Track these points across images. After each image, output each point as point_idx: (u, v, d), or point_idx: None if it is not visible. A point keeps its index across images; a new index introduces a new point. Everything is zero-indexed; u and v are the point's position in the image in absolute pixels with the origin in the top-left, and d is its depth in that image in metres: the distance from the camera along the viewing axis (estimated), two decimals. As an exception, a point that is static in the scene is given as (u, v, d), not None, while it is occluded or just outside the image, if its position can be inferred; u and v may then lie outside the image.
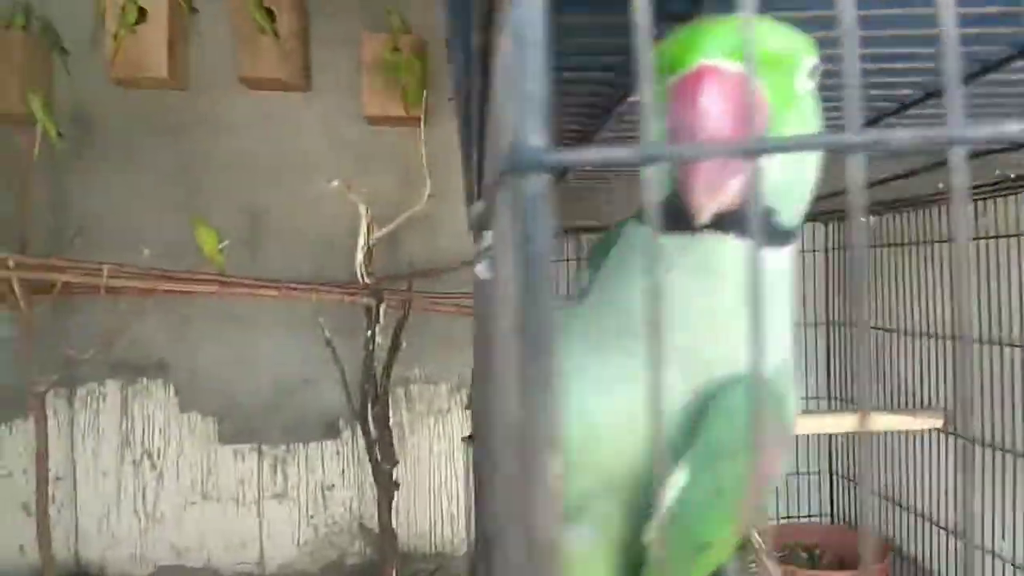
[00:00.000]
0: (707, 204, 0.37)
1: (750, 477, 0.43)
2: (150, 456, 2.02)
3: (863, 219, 0.26)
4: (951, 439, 1.56)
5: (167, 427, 2.00)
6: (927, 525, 1.69)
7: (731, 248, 0.41)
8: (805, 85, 0.41)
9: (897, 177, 0.97)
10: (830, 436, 2.00)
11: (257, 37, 1.79)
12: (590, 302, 0.49)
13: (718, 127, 0.36)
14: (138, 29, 1.73)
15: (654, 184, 0.38)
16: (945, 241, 1.56)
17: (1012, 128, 0.24)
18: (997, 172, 0.98)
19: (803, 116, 0.41)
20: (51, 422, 1.81)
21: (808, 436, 2.00)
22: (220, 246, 1.75)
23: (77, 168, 1.94)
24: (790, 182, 0.42)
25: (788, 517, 1.98)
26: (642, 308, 0.43)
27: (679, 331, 0.43)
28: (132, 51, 1.74)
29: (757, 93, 0.38)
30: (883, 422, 1.46)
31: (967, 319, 0.27)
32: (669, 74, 0.38)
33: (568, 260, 1.88)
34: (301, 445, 2.01)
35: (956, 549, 1.58)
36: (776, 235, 0.43)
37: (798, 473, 2.00)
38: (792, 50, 0.40)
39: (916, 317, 1.68)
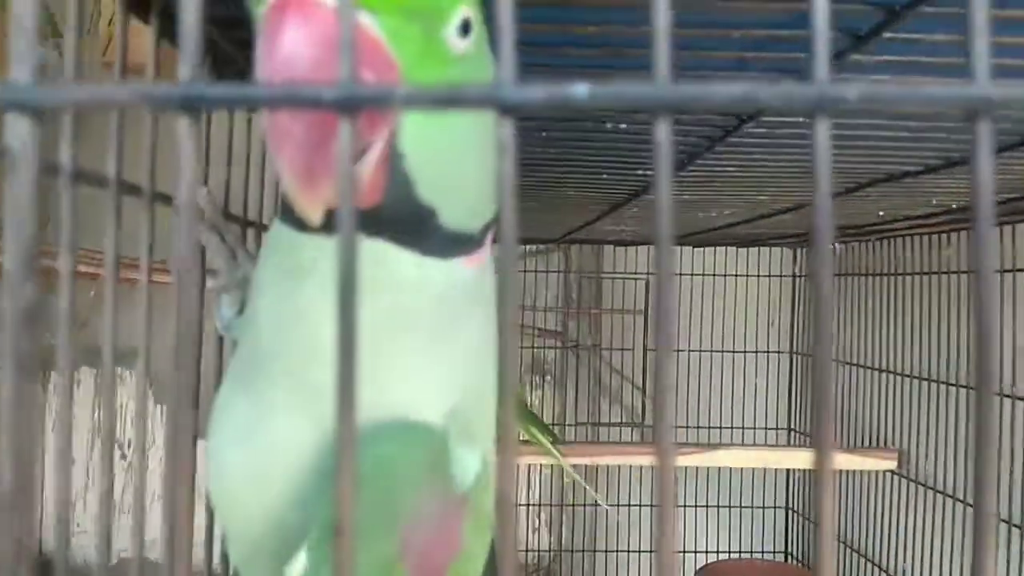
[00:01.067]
0: (306, 201, 0.28)
1: (407, 562, 0.34)
2: (121, 446, 1.97)
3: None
4: (904, 481, 1.49)
5: (139, 417, 1.94)
6: (874, 569, 1.61)
7: (376, 255, 0.33)
8: (458, 44, 0.31)
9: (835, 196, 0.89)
10: (787, 471, 1.92)
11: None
12: (243, 320, 0.40)
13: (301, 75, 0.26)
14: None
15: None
16: (908, 274, 1.48)
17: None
18: (935, 202, 0.91)
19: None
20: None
21: (765, 470, 1.93)
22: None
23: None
24: (451, 171, 0.33)
25: (741, 552, 1.90)
26: (268, 334, 0.35)
27: (313, 363, 0.34)
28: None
29: (375, 44, 0.29)
30: (834, 460, 1.38)
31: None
32: (258, 7, 0.29)
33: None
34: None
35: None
36: (442, 241, 0.34)
37: (752, 507, 1.92)
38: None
39: (878, 352, 1.60)
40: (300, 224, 0.32)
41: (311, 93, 0.20)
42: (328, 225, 0.31)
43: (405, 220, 0.33)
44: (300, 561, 0.33)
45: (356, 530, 0.34)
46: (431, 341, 0.36)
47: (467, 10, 0.32)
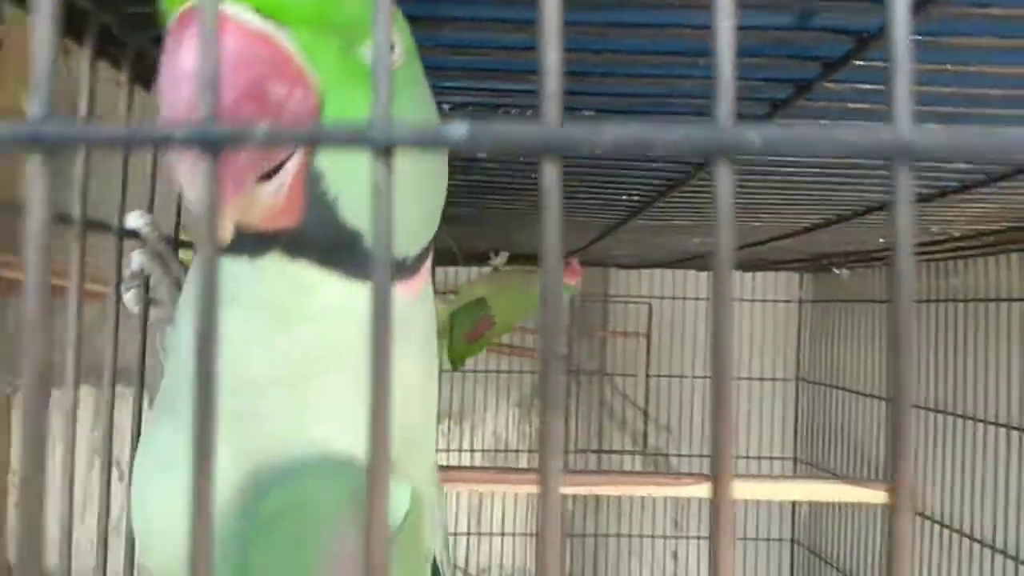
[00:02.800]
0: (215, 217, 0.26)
1: None
2: (118, 465, 1.95)
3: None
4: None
5: (137, 436, 1.92)
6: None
7: (301, 279, 0.31)
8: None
9: (824, 225, 0.87)
10: (793, 503, 1.88)
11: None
12: (168, 348, 0.39)
13: (191, 100, 0.25)
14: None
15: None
16: (922, 301, 1.44)
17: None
18: (934, 230, 0.88)
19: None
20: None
21: (770, 501, 1.88)
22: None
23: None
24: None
25: (745, 585, 1.86)
26: (190, 362, 0.33)
27: (233, 392, 0.32)
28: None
29: (284, 56, 0.27)
30: (824, 492, 1.33)
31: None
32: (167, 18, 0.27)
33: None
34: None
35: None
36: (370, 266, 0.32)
37: (759, 539, 1.87)
38: (350, 8, 0.29)
39: (882, 379, 1.56)
40: (234, 247, 0.31)
41: (163, 134, 0.17)
42: (249, 249, 0.31)
43: (329, 242, 0.31)
44: None
45: (272, 572, 0.32)
46: (358, 372, 0.33)
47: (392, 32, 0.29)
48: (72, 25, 0.39)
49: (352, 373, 0.33)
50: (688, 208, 0.86)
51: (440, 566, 0.40)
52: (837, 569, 1.73)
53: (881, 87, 0.43)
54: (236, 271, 0.31)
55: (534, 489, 1.53)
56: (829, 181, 0.68)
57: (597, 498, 1.88)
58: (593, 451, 1.88)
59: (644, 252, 1.52)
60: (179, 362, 0.35)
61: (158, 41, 0.27)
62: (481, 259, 1.56)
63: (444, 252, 1.45)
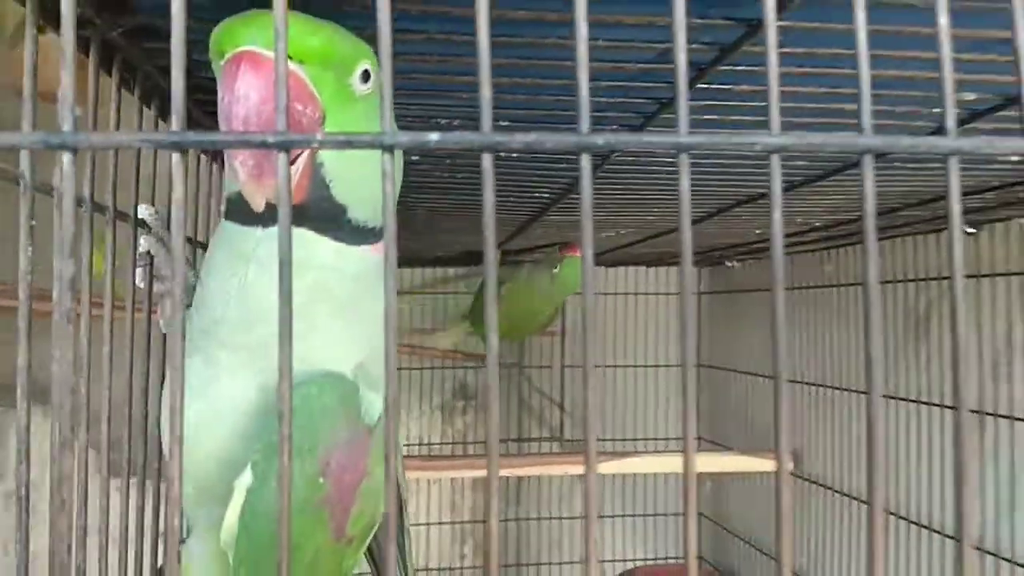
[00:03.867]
0: (255, 193, 0.38)
1: (325, 476, 0.43)
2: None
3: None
4: (798, 481, 1.60)
5: (48, 459, 1.90)
6: (772, 564, 1.72)
7: (302, 241, 0.42)
8: (360, 88, 0.42)
9: (706, 218, 1.01)
10: (698, 480, 2.03)
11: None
12: (193, 301, 0.49)
13: (253, 115, 0.36)
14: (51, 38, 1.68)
15: (227, 174, 0.39)
16: (795, 288, 1.61)
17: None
18: (799, 220, 1.03)
19: (358, 117, 0.42)
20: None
21: (679, 479, 2.03)
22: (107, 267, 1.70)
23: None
24: (358, 178, 0.43)
25: (658, 559, 2.00)
26: (218, 306, 0.44)
27: (255, 325, 0.43)
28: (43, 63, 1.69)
29: (303, 85, 0.39)
30: (723, 463, 1.48)
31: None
32: (219, 60, 0.39)
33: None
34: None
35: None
36: (352, 232, 0.44)
37: (668, 515, 2.02)
38: (343, 51, 0.41)
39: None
40: (242, 220, 0.43)
41: (259, 139, 0.28)
42: (263, 220, 0.42)
43: (324, 214, 0.43)
44: (247, 475, 0.42)
45: (296, 449, 0.42)
46: (344, 311, 0.46)
47: (366, 63, 0.42)
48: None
49: (340, 312, 0.45)
50: (595, 204, 0.98)
51: (400, 470, 0.52)
52: (739, 538, 1.89)
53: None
54: (255, 236, 0.43)
55: (460, 474, 1.63)
56: (706, 177, 0.81)
57: (519, 484, 2.00)
58: (513, 440, 2.00)
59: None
60: (208, 308, 0.45)
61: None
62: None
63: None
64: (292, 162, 0.39)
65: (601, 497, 2.04)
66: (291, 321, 0.28)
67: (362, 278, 0.46)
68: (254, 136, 0.27)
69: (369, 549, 0.57)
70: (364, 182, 0.43)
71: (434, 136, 0.28)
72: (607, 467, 1.56)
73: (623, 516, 2.02)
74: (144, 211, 0.51)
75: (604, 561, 2.02)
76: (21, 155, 0.34)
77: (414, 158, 0.75)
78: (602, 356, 1.99)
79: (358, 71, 0.42)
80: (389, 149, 0.29)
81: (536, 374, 2.01)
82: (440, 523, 1.98)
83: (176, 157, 0.27)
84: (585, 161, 0.28)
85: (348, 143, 0.29)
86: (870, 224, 0.30)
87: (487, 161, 0.28)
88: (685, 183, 0.29)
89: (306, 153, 0.41)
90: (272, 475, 0.42)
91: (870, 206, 0.30)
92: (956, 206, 0.30)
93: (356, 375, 0.46)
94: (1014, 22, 0.30)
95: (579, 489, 2.03)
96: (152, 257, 0.51)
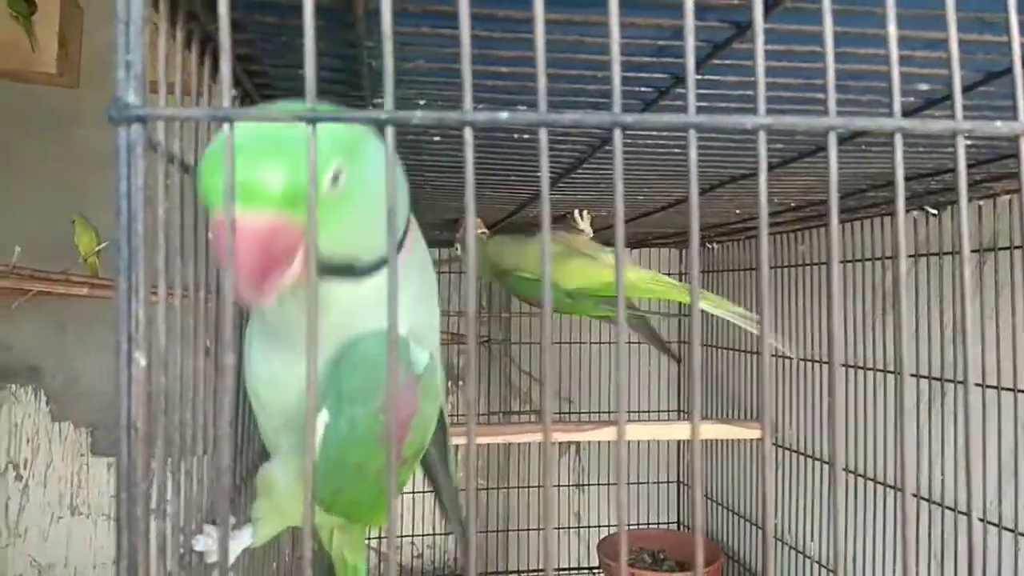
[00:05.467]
0: (252, 300, 0.43)
1: (387, 415, 0.53)
2: (16, 467, 1.96)
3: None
4: (774, 449, 1.71)
5: (36, 436, 1.96)
6: (753, 529, 1.84)
7: (329, 284, 0.50)
8: (328, 190, 0.45)
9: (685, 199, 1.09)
10: (679, 448, 2.14)
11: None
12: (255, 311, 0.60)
13: (250, 266, 0.41)
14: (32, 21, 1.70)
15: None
16: (774, 267, 1.71)
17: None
18: (776, 200, 1.12)
19: (326, 217, 0.44)
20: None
21: (659, 448, 2.14)
22: (98, 248, 1.75)
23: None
24: (354, 241, 0.49)
25: (639, 524, 2.10)
26: (283, 319, 0.54)
27: (325, 316, 0.52)
28: (22, 44, 1.72)
29: (288, 234, 0.42)
30: (706, 431, 1.58)
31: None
32: (204, 203, 0.42)
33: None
34: (178, 458, 1.98)
35: (780, 553, 1.72)
36: (371, 267, 0.51)
37: (649, 483, 2.13)
38: (317, 156, 0.43)
39: (752, 337, 1.83)
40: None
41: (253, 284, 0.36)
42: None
43: (335, 270, 0.50)
44: (324, 413, 0.54)
45: (354, 393, 0.51)
46: (373, 312, 0.53)
47: (335, 164, 0.44)
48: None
49: (373, 312, 0.52)
50: (584, 185, 1.07)
51: (443, 407, 0.62)
52: (719, 503, 2.00)
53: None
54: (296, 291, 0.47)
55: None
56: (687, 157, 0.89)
57: (507, 457, 2.09)
58: (495, 413, 2.09)
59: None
60: (282, 317, 0.54)
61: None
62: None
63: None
64: (292, 256, 0.43)
65: (589, 466, 2.14)
66: (316, 338, 0.35)
67: (402, 278, 0.53)
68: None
69: (422, 461, 0.72)
70: (362, 239, 0.50)
71: (504, 115, 0.37)
72: (596, 435, 1.65)
73: (607, 484, 2.12)
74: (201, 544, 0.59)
75: (589, 527, 2.12)
76: (158, 126, 0.42)
77: (436, 137, 0.83)
78: (586, 333, 2.08)
79: (328, 174, 0.44)
80: (389, 123, 0.37)
81: (526, 350, 2.10)
82: (425, 492, 2.07)
83: (226, 128, 0.34)
84: (617, 136, 0.36)
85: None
86: (833, 197, 0.38)
87: (543, 136, 0.36)
88: (693, 155, 0.38)
89: (302, 248, 0.42)
90: (342, 416, 0.53)
91: (833, 179, 0.38)
92: (900, 175, 0.39)
93: (407, 335, 0.57)
94: (948, 27, 0.39)
95: (563, 461, 2.13)
96: None
